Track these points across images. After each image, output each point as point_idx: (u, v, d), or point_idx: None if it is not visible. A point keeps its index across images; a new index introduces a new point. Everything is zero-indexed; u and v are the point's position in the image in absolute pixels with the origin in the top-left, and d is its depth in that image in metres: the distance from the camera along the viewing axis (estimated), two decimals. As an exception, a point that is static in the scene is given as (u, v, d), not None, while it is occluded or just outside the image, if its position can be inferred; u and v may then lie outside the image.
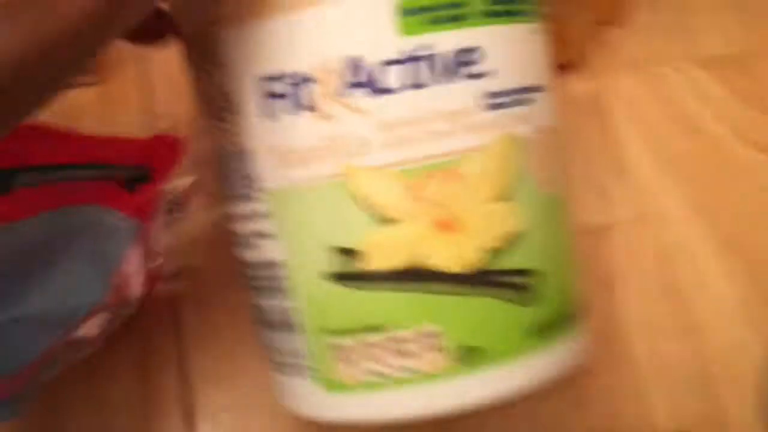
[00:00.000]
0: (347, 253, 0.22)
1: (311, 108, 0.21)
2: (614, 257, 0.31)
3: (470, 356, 0.22)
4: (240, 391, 0.30)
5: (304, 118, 0.21)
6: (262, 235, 0.23)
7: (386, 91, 0.21)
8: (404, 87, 0.21)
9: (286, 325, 0.23)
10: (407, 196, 0.21)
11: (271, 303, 0.24)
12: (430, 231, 0.22)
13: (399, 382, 0.22)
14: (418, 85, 0.21)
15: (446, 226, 0.22)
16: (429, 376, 0.22)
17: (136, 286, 0.23)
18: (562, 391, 0.29)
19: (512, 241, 0.22)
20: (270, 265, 0.23)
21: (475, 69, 0.22)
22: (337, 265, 0.22)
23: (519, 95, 0.23)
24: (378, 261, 0.22)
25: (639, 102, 0.34)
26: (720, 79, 0.34)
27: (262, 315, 0.25)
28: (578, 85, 0.35)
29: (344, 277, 0.22)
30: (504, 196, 0.22)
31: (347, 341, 0.22)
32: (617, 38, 0.36)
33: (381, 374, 0.22)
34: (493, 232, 0.22)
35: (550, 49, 0.25)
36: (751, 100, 0.34)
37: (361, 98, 0.21)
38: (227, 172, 0.24)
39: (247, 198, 0.23)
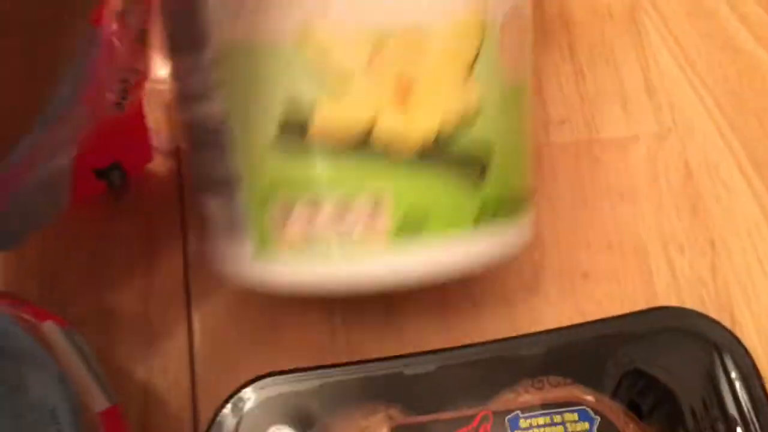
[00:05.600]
0: (299, 111, 0.21)
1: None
2: (637, 170, 0.30)
3: (413, 227, 0.21)
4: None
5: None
6: (209, 88, 0.22)
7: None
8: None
9: (224, 184, 0.22)
10: (365, 59, 0.20)
11: (212, 162, 0.23)
12: (385, 99, 0.21)
13: (335, 247, 0.21)
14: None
15: (403, 95, 0.21)
16: (368, 246, 0.21)
17: (109, 93, 0.22)
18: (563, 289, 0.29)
19: (470, 119, 0.21)
20: (211, 119, 0.22)
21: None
22: (286, 122, 0.21)
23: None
24: (330, 123, 0.21)
25: (674, 17, 0.33)
26: (759, -1, 0.33)
27: (200, 179, 0.24)
28: (612, -3, 0.33)
29: (292, 131, 0.21)
30: (466, 73, 0.21)
31: (286, 200, 0.21)
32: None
33: (317, 238, 0.21)
34: (450, 106, 0.21)
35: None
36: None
37: (329, -53, 0.20)
38: (177, 22, 0.23)
39: (196, 49, 0.22)
